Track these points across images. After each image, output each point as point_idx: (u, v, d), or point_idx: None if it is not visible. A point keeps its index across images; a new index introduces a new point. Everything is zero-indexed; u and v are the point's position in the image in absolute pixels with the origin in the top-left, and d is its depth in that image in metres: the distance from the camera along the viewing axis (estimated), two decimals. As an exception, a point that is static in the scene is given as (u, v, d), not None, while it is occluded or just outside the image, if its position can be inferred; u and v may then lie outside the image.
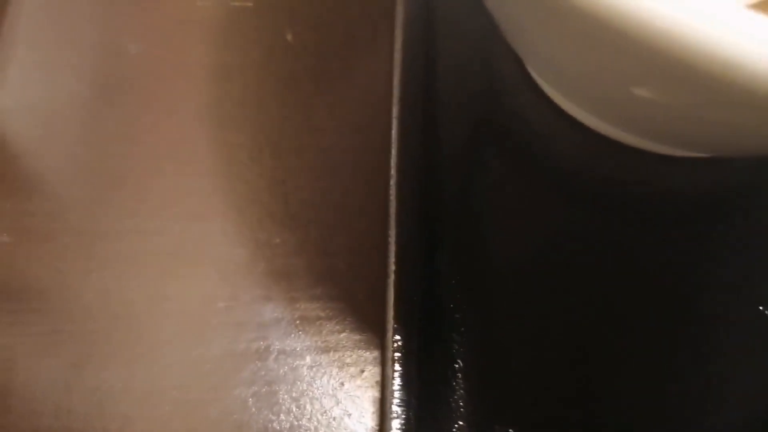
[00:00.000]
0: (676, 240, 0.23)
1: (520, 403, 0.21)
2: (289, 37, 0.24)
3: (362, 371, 0.21)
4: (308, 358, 0.22)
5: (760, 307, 0.23)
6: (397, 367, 0.20)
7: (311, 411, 0.21)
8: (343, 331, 0.22)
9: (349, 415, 0.21)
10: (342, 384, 0.21)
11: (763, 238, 0.24)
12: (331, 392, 0.21)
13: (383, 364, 0.20)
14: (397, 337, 0.20)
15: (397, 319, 0.20)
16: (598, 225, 0.23)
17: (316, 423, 0.21)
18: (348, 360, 0.22)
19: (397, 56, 0.22)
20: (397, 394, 0.19)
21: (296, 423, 0.21)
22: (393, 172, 0.21)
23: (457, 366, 0.21)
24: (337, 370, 0.21)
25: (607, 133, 0.24)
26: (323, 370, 0.21)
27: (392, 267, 0.21)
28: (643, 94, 0.16)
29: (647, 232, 0.23)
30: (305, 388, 0.21)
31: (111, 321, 0.22)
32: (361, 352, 0.22)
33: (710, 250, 0.23)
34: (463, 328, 0.21)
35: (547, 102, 0.24)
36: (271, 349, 0.22)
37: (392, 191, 0.21)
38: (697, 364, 0.22)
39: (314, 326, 0.22)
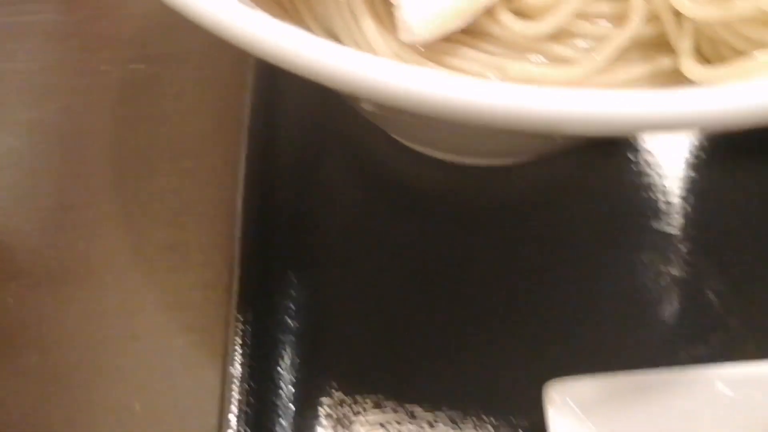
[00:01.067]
0: (489, 236, 0.29)
1: (343, 367, 0.26)
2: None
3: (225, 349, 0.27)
4: (179, 340, 0.27)
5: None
6: (237, 347, 0.25)
7: (181, 383, 0.26)
8: (209, 318, 0.27)
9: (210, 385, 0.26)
10: (206, 360, 0.27)
11: (565, 233, 0.29)
12: (198, 366, 0.27)
13: (227, 343, 0.25)
14: (241, 319, 0.25)
15: (240, 302, 0.26)
16: (417, 227, 0.29)
17: (181, 394, 0.26)
18: (213, 339, 0.27)
19: (248, 98, 0.29)
20: (237, 369, 0.24)
21: (167, 395, 0.26)
22: (240, 187, 0.27)
23: (294, 340, 0.26)
24: (199, 350, 0.27)
25: (425, 152, 0.29)
26: (190, 350, 0.27)
27: (237, 262, 0.26)
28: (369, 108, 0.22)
29: (464, 231, 0.29)
30: (175, 363, 0.27)
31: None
32: (222, 332, 0.27)
33: (515, 244, 0.29)
34: (303, 312, 0.27)
35: (376, 128, 0.30)
36: (147, 332, 0.27)
37: (239, 203, 0.27)
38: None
39: (184, 314, 0.27)
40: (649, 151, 0.31)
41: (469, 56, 0.21)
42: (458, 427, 0.25)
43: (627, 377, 0.23)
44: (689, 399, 0.23)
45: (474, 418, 0.25)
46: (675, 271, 0.28)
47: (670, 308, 0.28)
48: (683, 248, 0.29)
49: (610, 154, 0.32)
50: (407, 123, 0.26)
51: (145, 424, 0.26)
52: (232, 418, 0.24)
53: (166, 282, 0.28)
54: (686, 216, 0.30)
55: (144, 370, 0.27)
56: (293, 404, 0.25)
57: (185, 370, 0.27)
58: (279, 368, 0.25)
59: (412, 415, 0.25)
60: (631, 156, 0.31)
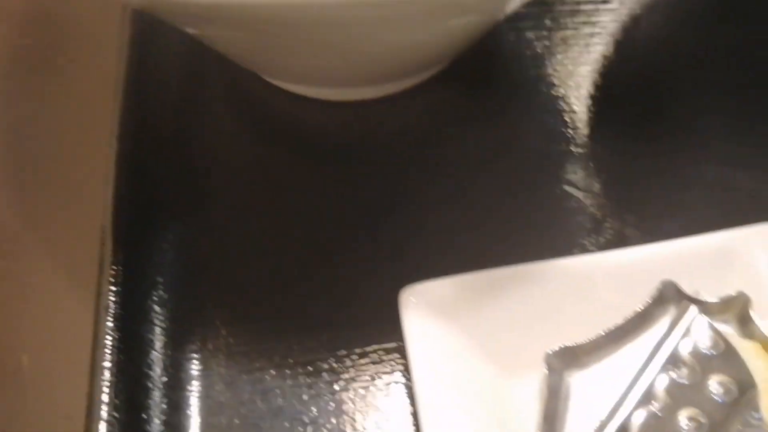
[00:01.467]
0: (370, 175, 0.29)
1: (219, 302, 0.26)
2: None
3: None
4: (64, 294, 0.28)
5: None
6: (111, 287, 0.25)
7: (66, 334, 0.27)
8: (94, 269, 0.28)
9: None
10: (90, 308, 0.27)
11: (446, 157, 0.29)
12: (83, 316, 0.27)
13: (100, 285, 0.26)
14: (112, 260, 0.26)
15: (113, 245, 0.26)
16: (295, 164, 0.29)
17: (66, 345, 0.26)
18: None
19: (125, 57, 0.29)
20: (110, 309, 0.25)
21: (53, 347, 0.27)
22: (114, 142, 0.28)
23: (170, 280, 0.26)
24: (83, 299, 0.27)
25: (299, 91, 0.30)
26: (75, 303, 0.27)
27: (109, 207, 0.27)
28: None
29: (343, 165, 0.29)
30: (61, 317, 0.27)
31: None
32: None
33: (394, 170, 0.29)
34: (179, 253, 0.27)
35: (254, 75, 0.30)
36: (35, 291, 0.28)
37: (113, 152, 0.28)
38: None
39: (71, 270, 0.28)
40: (526, 76, 0.32)
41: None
42: (333, 345, 0.25)
43: (482, 274, 0.23)
44: (549, 290, 0.23)
45: (346, 335, 0.25)
46: (556, 185, 0.29)
47: (547, 216, 0.28)
48: (562, 160, 0.29)
49: (490, 80, 0.32)
50: (260, 52, 0.26)
51: (32, 375, 0.27)
52: (106, 355, 0.24)
53: (54, 239, 0.29)
54: (568, 132, 0.30)
55: (32, 326, 0.28)
56: (169, 339, 0.25)
57: (71, 322, 0.27)
58: (155, 306, 0.26)
59: (292, 340, 0.25)
60: (507, 79, 0.32)
